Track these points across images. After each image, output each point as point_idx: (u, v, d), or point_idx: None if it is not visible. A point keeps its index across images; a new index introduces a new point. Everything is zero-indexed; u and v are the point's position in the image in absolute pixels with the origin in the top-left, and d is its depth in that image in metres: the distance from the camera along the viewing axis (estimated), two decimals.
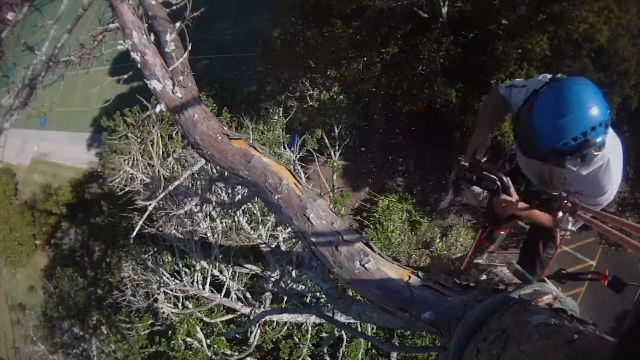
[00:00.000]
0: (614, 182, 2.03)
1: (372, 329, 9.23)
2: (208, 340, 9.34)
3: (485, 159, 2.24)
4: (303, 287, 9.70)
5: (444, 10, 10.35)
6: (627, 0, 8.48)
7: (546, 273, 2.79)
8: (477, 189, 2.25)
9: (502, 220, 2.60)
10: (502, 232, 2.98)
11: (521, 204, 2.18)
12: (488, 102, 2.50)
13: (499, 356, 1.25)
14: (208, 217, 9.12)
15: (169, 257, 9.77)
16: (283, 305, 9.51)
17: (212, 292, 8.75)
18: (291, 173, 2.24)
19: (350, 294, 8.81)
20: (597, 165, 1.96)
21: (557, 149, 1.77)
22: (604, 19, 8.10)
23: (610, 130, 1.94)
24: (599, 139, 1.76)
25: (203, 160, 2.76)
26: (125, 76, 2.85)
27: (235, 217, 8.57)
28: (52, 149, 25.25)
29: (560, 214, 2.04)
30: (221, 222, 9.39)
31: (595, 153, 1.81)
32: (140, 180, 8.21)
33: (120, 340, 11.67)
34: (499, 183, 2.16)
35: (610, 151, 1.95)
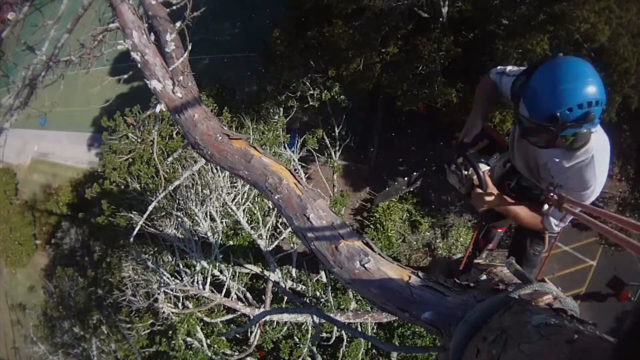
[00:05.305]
0: (597, 179, 1.98)
1: (373, 328, 9.23)
2: (208, 340, 9.34)
3: (474, 147, 2.20)
4: (303, 287, 9.71)
5: (444, 10, 10.35)
6: None
7: (542, 271, 2.79)
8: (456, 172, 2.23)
9: (488, 215, 2.57)
10: (499, 230, 2.97)
11: (498, 200, 2.16)
12: (481, 85, 2.44)
13: (499, 356, 1.25)
14: (208, 217, 9.12)
15: (169, 257, 9.77)
16: (283, 305, 9.51)
17: (212, 292, 8.75)
18: (291, 173, 2.24)
19: (351, 294, 8.85)
20: (581, 159, 1.94)
21: (559, 114, 1.71)
22: (605, 18, 8.10)
23: (600, 129, 1.93)
24: (597, 119, 1.73)
25: (203, 160, 2.76)
26: (126, 76, 2.86)
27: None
28: (52, 149, 25.27)
29: (546, 206, 2.04)
30: (221, 222, 9.39)
31: (591, 131, 1.77)
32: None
33: (120, 340, 11.67)
34: (474, 175, 2.11)
35: (596, 148, 1.92)
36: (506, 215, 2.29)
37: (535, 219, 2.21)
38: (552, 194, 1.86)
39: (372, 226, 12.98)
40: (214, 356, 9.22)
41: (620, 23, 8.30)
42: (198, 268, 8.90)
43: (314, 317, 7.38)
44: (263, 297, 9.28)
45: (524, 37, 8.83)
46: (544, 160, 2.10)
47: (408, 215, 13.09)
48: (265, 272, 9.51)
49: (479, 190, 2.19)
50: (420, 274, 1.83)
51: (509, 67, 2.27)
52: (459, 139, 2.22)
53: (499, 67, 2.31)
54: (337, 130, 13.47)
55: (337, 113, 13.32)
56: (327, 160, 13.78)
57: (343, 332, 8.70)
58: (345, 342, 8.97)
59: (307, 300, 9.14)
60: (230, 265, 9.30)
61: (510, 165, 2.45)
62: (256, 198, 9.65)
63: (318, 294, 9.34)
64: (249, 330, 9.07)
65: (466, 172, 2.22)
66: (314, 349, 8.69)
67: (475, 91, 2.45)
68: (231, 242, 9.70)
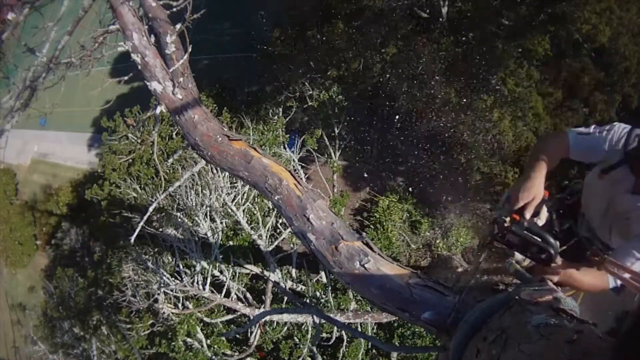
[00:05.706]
0: None
1: (373, 329, 9.23)
2: (208, 341, 9.34)
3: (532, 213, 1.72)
4: (303, 287, 9.71)
5: (444, 10, 10.35)
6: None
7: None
8: (518, 255, 1.76)
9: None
10: None
11: (564, 272, 1.78)
12: (550, 140, 2.13)
13: (499, 356, 1.25)
14: (208, 217, 9.12)
15: (170, 258, 9.77)
16: (283, 306, 9.51)
17: (212, 292, 8.75)
18: (291, 174, 2.24)
19: (351, 294, 8.84)
20: None
21: None
22: (606, 19, 8.11)
23: None
24: None
25: (203, 161, 2.77)
26: (126, 77, 2.86)
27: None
28: (52, 150, 25.27)
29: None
30: (221, 222, 9.40)
31: None
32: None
33: (120, 341, 11.67)
34: (550, 251, 1.64)
35: None
36: (566, 284, 1.84)
37: (603, 279, 1.86)
38: (594, 255, 1.76)
39: (372, 226, 12.97)
40: (214, 357, 9.21)
41: (621, 23, 8.31)
42: (198, 268, 8.90)
43: (314, 317, 7.38)
44: (263, 297, 9.28)
45: (524, 37, 8.84)
46: (626, 208, 1.96)
47: (408, 215, 13.08)
48: (265, 273, 9.51)
49: (551, 269, 1.74)
50: (420, 274, 1.83)
51: (593, 127, 2.04)
52: (517, 212, 1.71)
53: (580, 129, 2.05)
54: (337, 130, 13.47)
55: (336, 113, 13.32)
56: (327, 160, 13.77)
57: (343, 332, 8.69)
58: (345, 342, 8.97)
59: (307, 301, 9.14)
60: (230, 266, 9.30)
61: (574, 204, 2.27)
62: (256, 198, 9.65)
63: (318, 294, 9.33)
64: (249, 331, 9.07)
65: (521, 256, 1.78)
66: (314, 349, 8.69)
67: (538, 141, 2.16)
68: (231, 243, 9.70)
